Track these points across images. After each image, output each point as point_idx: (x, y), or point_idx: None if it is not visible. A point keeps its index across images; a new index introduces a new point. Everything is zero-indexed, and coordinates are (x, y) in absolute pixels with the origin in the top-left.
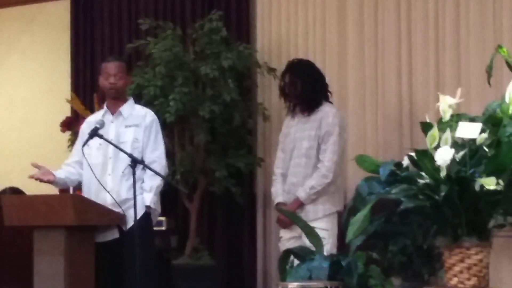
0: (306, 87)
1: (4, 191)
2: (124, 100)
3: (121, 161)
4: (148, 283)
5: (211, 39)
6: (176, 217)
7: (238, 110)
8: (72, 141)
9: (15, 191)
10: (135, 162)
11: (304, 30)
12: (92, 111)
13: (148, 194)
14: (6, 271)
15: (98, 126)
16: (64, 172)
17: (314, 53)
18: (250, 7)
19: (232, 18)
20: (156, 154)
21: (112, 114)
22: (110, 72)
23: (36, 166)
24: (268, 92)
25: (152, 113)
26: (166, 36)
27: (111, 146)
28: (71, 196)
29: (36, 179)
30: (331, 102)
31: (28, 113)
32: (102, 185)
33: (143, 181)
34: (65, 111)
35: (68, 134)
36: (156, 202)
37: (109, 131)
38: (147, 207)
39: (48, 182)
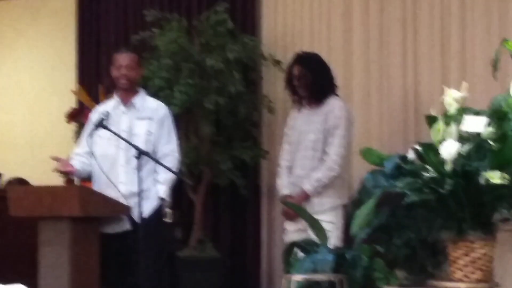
0: (316, 79)
1: (11, 181)
2: (135, 92)
3: (134, 152)
4: (159, 274)
5: (216, 31)
6: (181, 209)
7: (243, 102)
8: (78, 132)
9: (21, 182)
10: (141, 154)
11: (310, 22)
12: (97, 102)
13: (162, 186)
14: (12, 262)
15: (103, 117)
16: (79, 163)
17: (319, 45)
18: None
19: (237, 10)
20: (170, 147)
21: (124, 105)
22: (123, 63)
23: (55, 159)
24: (273, 85)
25: (165, 106)
26: (171, 28)
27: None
28: (76, 187)
29: (59, 172)
30: (338, 95)
31: (34, 104)
32: (109, 178)
33: (156, 173)
34: (71, 102)
35: (73, 125)
36: (169, 194)
37: (121, 122)
38: (161, 199)
39: (70, 172)
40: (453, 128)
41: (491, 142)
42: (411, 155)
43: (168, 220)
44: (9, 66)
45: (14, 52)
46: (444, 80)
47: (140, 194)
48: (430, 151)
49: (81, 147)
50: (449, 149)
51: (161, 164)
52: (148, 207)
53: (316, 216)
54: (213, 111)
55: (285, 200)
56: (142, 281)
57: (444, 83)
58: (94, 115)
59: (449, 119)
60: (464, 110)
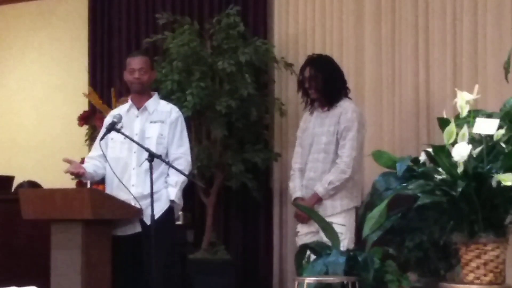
0: (328, 82)
1: (22, 184)
2: (149, 95)
3: (146, 156)
4: (170, 276)
5: (228, 34)
6: (193, 212)
7: (255, 105)
8: (89, 135)
9: (32, 185)
10: (153, 157)
11: (321, 25)
12: (109, 105)
13: (173, 188)
14: (24, 264)
15: (115, 120)
16: (92, 166)
17: (331, 48)
18: (268, 2)
19: (249, 13)
20: (181, 150)
21: (137, 108)
22: (135, 66)
23: (67, 161)
24: (285, 87)
25: (177, 109)
26: (183, 31)
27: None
28: (88, 190)
29: (71, 174)
30: (350, 98)
31: (45, 107)
32: (121, 181)
33: (167, 176)
34: (83, 105)
35: (85, 128)
36: (180, 197)
37: (134, 125)
38: (171, 201)
39: (81, 174)
40: (465, 130)
41: (503, 145)
42: (423, 157)
43: (179, 222)
44: (21, 69)
45: (26, 55)
46: (456, 83)
47: (155, 194)
48: (442, 153)
49: (95, 151)
50: (461, 152)
51: (173, 167)
52: (158, 210)
53: (328, 219)
54: (224, 114)
55: (298, 203)
56: (153, 283)
57: (456, 86)
58: (108, 119)
59: (461, 121)
60: (476, 112)
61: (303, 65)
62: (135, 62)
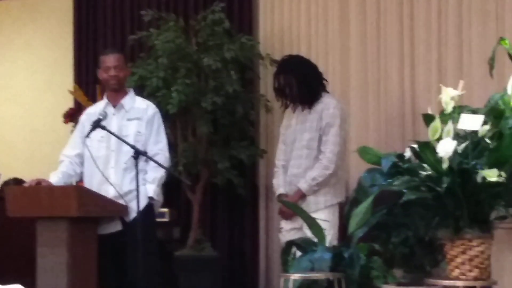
0: (303, 84)
1: (8, 182)
2: (124, 92)
3: (124, 153)
4: (151, 273)
5: (213, 30)
6: (179, 209)
7: (241, 102)
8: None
9: (18, 182)
10: (138, 154)
11: (307, 22)
12: (94, 102)
13: (151, 185)
14: (10, 262)
15: (101, 117)
16: (70, 165)
17: (316, 45)
18: None
19: (234, 9)
20: (159, 146)
21: (114, 106)
22: (110, 64)
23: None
24: (271, 84)
25: (154, 106)
26: (168, 28)
27: (113, 139)
28: (74, 187)
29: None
30: (328, 92)
31: (31, 104)
32: (105, 177)
33: (146, 173)
34: (68, 103)
35: (70, 125)
36: (159, 193)
37: (111, 124)
38: (150, 198)
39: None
40: (450, 126)
41: (488, 140)
42: (408, 153)
43: (164, 219)
44: (6, 65)
45: (12, 52)
46: (441, 79)
47: (133, 192)
48: (427, 149)
49: (72, 149)
50: (446, 147)
51: (158, 163)
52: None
53: (312, 215)
54: (210, 110)
55: (283, 199)
56: (135, 281)
57: (441, 82)
58: (84, 118)
59: (446, 117)
60: (461, 108)
61: (276, 72)
62: (110, 60)
